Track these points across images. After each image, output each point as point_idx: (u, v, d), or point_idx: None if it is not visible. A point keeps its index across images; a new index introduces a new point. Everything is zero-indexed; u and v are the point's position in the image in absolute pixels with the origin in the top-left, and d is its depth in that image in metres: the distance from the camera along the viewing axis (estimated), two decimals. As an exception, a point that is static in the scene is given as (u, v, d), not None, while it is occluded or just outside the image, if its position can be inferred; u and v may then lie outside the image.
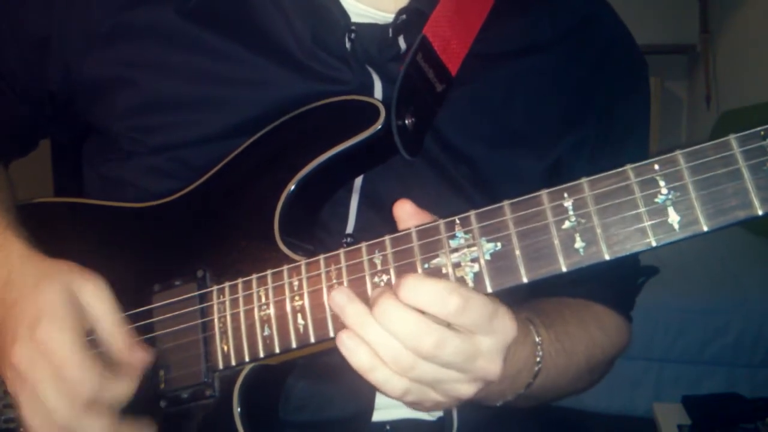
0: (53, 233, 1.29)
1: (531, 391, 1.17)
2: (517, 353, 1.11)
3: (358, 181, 1.28)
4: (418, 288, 0.91)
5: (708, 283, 4.06)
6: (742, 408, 3.24)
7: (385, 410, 1.31)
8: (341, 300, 0.96)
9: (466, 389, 0.97)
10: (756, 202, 0.82)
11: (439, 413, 1.33)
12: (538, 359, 1.13)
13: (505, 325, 0.94)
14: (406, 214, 1.01)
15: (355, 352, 0.95)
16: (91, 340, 1.14)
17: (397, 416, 1.33)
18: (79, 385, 1.08)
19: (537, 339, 1.14)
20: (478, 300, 0.91)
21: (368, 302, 0.98)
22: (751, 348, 3.76)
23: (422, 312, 0.92)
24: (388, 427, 1.32)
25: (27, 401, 1.10)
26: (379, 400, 1.28)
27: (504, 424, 1.38)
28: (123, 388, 1.12)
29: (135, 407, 1.15)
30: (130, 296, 1.19)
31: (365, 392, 1.27)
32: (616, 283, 1.43)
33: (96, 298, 1.15)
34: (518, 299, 1.24)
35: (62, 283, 1.14)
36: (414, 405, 1.02)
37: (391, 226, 1.03)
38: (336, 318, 1.03)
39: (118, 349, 1.15)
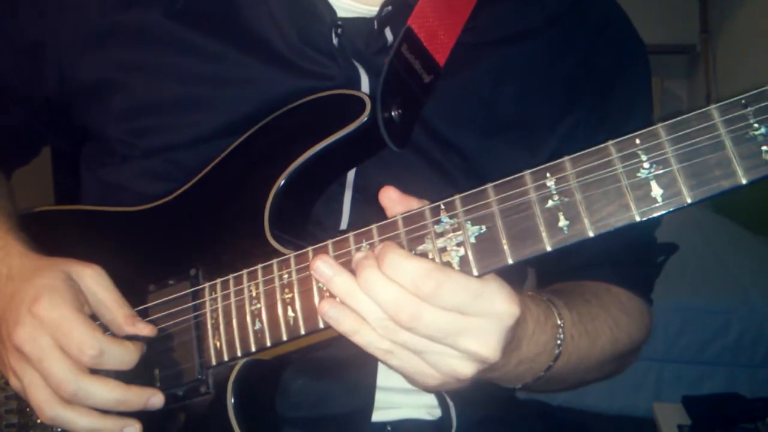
0: (53, 240, 1.30)
1: (551, 375, 1.16)
2: (536, 335, 1.10)
3: (351, 176, 1.28)
4: (398, 267, 0.91)
5: (708, 283, 4.06)
6: (742, 408, 3.24)
7: (385, 410, 1.31)
8: (327, 271, 0.97)
9: (461, 366, 0.96)
10: (739, 171, 0.81)
11: (439, 413, 1.33)
12: (558, 342, 1.12)
13: (494, 307, 0.93)
14: (392, 201, 1.01)
15: (340, 320, 0.96)
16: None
17: (398, 416, 1.33)
18: (84, 343, 1.09)
19: (559, 321, 1.13)
20: (456, 283, 0.91)
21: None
22: (751, 348, 3.77)
23: None
24: (389, 428, 1.32)
25: (31, 380, 1.11)
26: (380, 398, 1.28)
27: (503, 424, 1.38)
28: (127, 352, 1.14)
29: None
30: (127, 297, 1.20)
31: (364, 389, 1.27)
32: (636, 265, 1.42)
33: (95, 280, 1.17)
34: (536, 285, 1.24)
35: (61, 270, 1.16)
36: (410, 377, 1.01)
37: (385, 219, 1.03)
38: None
39: (120, 324, 1.16)
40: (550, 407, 1.58)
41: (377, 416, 1.29)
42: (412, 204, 1.00)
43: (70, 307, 1.11)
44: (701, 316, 3.81)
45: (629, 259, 1.38)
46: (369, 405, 1.28)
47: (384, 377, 1.28)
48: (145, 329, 1.17)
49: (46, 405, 1.11)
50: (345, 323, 0.96)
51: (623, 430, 3.85)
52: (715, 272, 4.18)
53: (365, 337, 0.96)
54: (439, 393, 1.31)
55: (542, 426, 1.47)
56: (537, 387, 1.19)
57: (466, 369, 0.96)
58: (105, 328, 1.17)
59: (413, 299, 0.91)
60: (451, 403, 1.31)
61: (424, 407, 1.35)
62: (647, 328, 1.42)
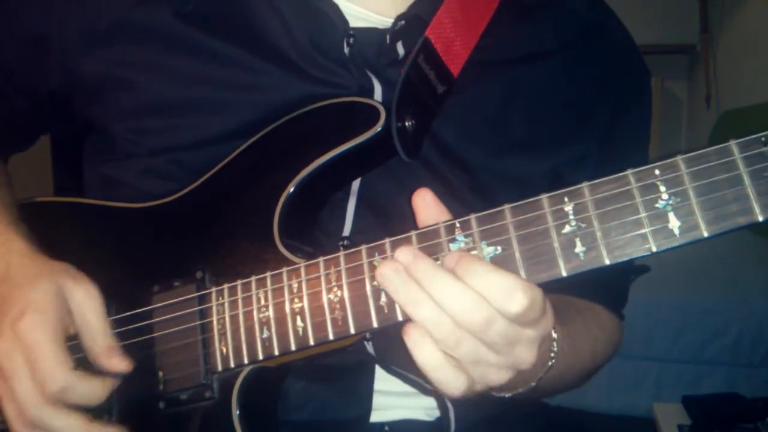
0: (53, 233, 1.29)
1: (539, 385, 1.17)
2: None
3: (356, 184, 1.27)
4: (484, 278, 0.89)
5: (708, 283, 4.07)
6: (742, 408, 3.25)
7: (383, 411, 1.31)
8: (394, 279, 0.94)
9: (500, 375, 0.96)
10: (756, 208, 0.82)
11: (437, 414, 1.33)
12: (552, 354, 1.12)
13: (549, 321, 0.95)
14: (425, 202, 1.00)
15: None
16: (74, 345, 1.15)
17: (395, 417, 1.33)
18: (49, 377, 1.09)
19: (554, 335, 1.14)
20: (540, 300, 0.91)
21: (367, 301, 1.00)
22: (751, 348, 3.77)
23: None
24: (386, 428, 1.32)
25: (4, 392, 1.11)
26: (377, 401, 1.29)
27: (502, 425, 1.37)
28: (93, 390, 1.13)
29: (134, 408, 1.16)
30: (130, 296, 1.20)
31: (363, 393, 1.28)
32: (612, 284, 1.44)
33: (85, 302, 1.16)
34: None
35: (54, 284, 1.15)
36: (441, 371, 0.97)
37: (388, 229, 1.03)
38: (335, 321, 1.03)
39: (96, 353, 1.16)
40: (549, 407, 1.57)
41: (375, 417, 1.30)
42: (443, 213, 0.99)
43: (49, 331, 1.11)
44: (701, 316, 3.81)
45: (608, 279, 1.39)
46: (368, 409, 1.28)
47: (382, 382, 1.28)
48: (119, 365, 1.15)
49: (14, 421, 1.12)
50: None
51: (623, 430, 3.86)
52: (715, 272, 4.18)
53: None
54: (439, 395, 1.30)
55: (541, 426, 1.47)
56: (522, 396, 1.20)
57: (503, 378, 0.97)
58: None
59: (487, 304, 0.90)
60: (450, 405, 1.31)
61: (422, 408, 1.35)
62: (618, 344, 1.46)
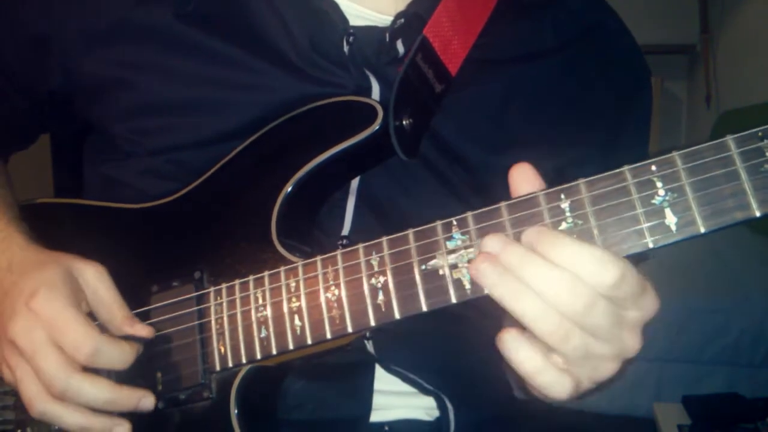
0: (54, 233, 1.29)
1: None
2: None
3: (355, 183, 1.27)
4: (574, 252, 0.86)
5: (708, 283, 4.07)
6: (742, 408, 3.25)
7: (383, 411, 1.31)
8: (491, 273, 0.88)
9: (608, 367, 0.92)
10: (753, 204, 0.82)
11: (437, 414, 1.33)
12: None
13: (651, 302, 0.90)
14: (522, 175, 0.94)
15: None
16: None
17: (395, 417, 1.33)
18: (80, 342, 1.09)
19: None
20: (634, 273, 0.87)
21: (365, 299, 1.00)
22: (751, 348, 3.77)
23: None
24: (386, 428, 1.32)
25: (23, 373, 1.11)
26: (377, 400, 1.28)
27: (502, 425, 1.37)
28: (122, 352, 1.13)
29: (133, 408, 1.15)
30: (129, 297, 1.19)
31: (363, 393, 1.28)
32: None
33: (96, 279, 1.17)
34: None
35: (62, 266, 1.16)
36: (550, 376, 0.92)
37: (387, 227, 1.03)
38: (333, 320, 1.03)
39: (118, 324, 1.16)
40: (549, 407, 1.57)
41: (375, 417, 1.29)
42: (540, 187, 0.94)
43: (67, 303, 1.11)
44: (701, 315, 3.81)
45: None
46: (367, 409, 1.28)
47: (382, 381, 1.28)
48: (143, 330, 1.16)
49: (36, 399, 1.11)
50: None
51: (623, 430, 3.86)
52: (715, 272, 4.18)
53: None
54: (438, 395, 1.31)
55: (541, 426, 1.47)
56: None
57: (613, 369, 0.93)
58: (101, 328, 1.16)
59: (585, 285, 0.86)
60: (449, 405, 1.31)
61: (422, 408, 1.35)
62: None
